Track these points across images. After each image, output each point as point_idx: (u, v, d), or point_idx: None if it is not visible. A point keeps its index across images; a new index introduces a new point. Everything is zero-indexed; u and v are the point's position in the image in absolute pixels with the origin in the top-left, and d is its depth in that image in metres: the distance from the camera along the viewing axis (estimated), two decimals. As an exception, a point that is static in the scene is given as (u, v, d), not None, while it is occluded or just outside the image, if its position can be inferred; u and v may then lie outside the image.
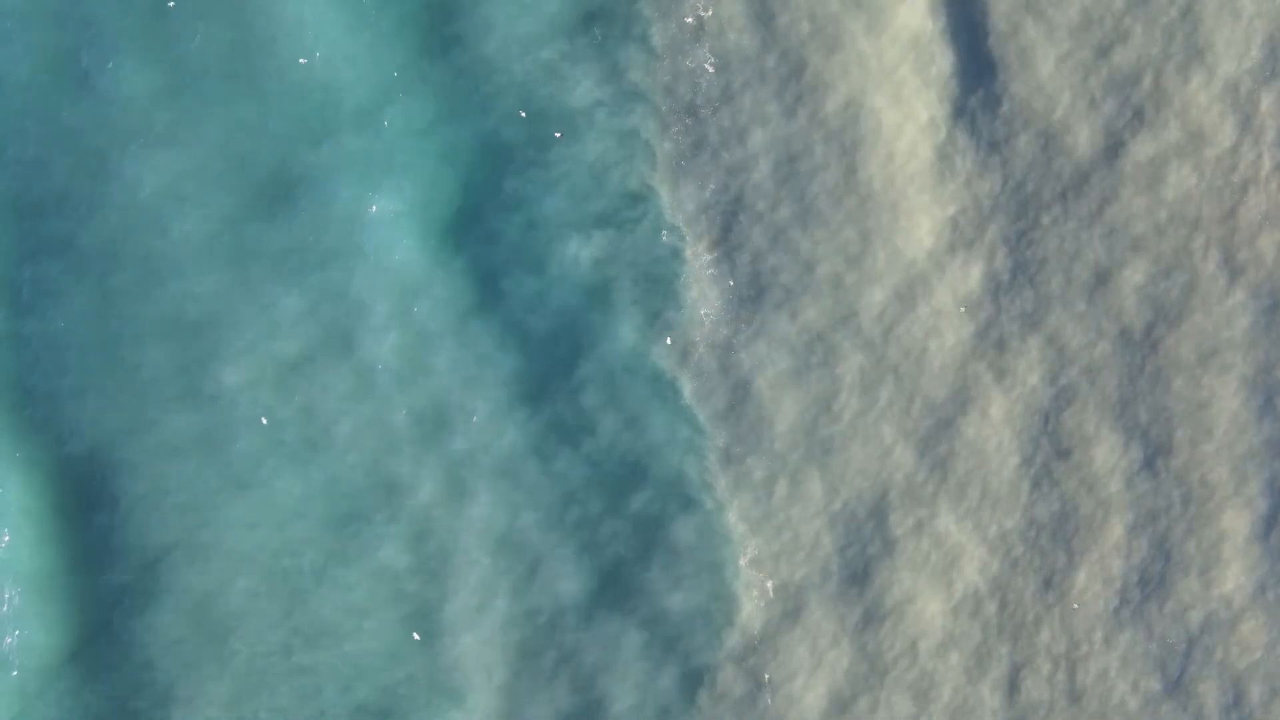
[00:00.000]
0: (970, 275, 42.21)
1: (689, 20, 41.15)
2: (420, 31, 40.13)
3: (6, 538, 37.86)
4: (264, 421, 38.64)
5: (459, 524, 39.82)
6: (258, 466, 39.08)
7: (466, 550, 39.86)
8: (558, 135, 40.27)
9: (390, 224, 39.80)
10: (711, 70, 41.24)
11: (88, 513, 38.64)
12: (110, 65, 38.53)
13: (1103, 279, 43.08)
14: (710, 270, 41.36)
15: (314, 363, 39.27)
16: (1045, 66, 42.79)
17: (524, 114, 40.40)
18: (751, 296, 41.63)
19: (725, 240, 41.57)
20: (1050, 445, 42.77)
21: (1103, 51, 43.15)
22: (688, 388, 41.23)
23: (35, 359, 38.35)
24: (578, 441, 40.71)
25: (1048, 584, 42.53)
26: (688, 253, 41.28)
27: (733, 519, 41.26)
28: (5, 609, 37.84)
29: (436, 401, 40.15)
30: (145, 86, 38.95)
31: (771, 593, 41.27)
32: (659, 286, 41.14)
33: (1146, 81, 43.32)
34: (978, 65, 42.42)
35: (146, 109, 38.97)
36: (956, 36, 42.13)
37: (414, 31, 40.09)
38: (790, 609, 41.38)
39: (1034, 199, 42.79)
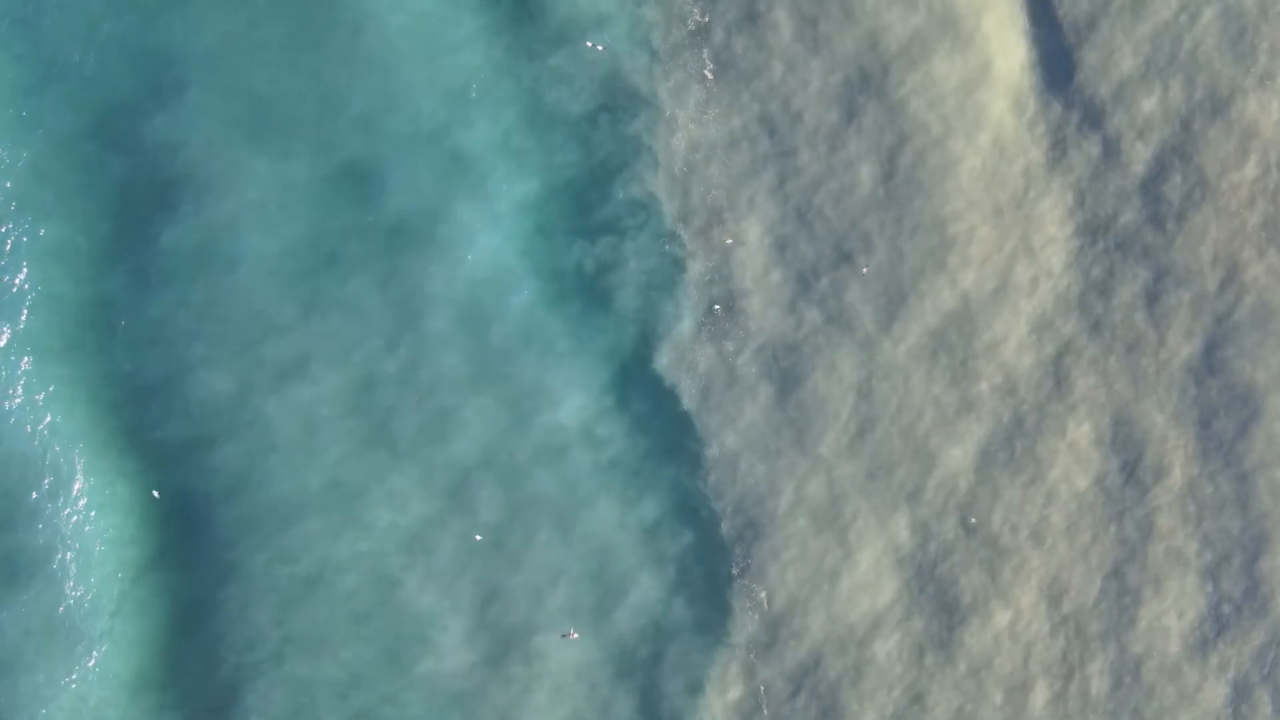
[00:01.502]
0: (1022, 304, 41.97)
1: (690, 25, 41.12)
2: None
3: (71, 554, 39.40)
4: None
5: (458, 531, 40.57)
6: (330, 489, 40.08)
7: (478, 566, 40.57)
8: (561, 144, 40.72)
9: (389, 231, 40.36)
10: (710, 76, 41.24)
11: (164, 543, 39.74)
12: (196, 75, 39.71)
13: (1159, 295, 42.43)
14: (709, 279, 41.23)
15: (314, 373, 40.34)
16: (1117, 90, 42.49)
17: (528, 122, 40.72)
18: (759, 308, 41.48)
19: (728, 251, 41.38)
20: (1120, 466, 42.32)
21: (1169, 72, 42.70)
22: (686, 395, 41.13)
23: (128, 394, 39.59)
24: (579, 448, 40.79)
25: (1112, 612, 42.33)
26: (688, 261, 41.15)
27: (729, 529, 41.04)
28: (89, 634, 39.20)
29: (430, 410, 40.65)
30: (231, 86, 40.04)
31: (767, 604, 41.12)
32: (661, 294, 41.09)
33: (1210, 100, 43.00)
34: (1052, 87, 42.35)
35: (232, 108, 39.99)
36: (1038, 49, 42.34)
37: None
38: (801, 621, 41.46)
39: (1098, 223, 42.42)
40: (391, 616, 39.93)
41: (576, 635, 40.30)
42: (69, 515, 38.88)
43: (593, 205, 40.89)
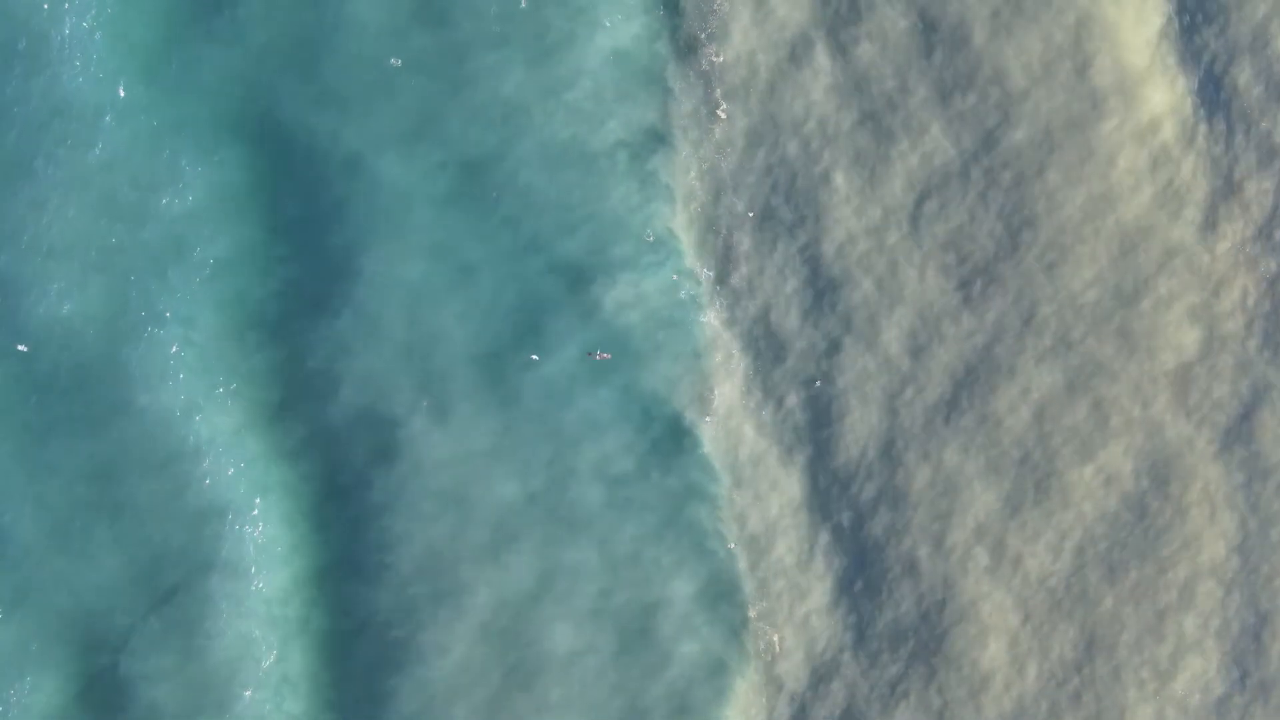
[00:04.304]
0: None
1: (704, 66, 41.26)
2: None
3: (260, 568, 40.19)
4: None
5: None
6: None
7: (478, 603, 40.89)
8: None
9: (394, 261, 40.62)
10: (724, 116, 41.32)
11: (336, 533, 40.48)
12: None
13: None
14: (725, 316, 41.20)
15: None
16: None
17: (545, 155, 40.85)
18: (772, 344, 41.45)
19: (743, 289, 41.41)
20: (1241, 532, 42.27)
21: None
22: (707, 436, 41.08)
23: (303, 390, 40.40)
24: (595, 486, 40.80)
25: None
26: (705, 299, 41.17)
27: (744, 570, 41.00)
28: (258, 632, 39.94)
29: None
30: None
31: (779, 647, 40.91)
32: (679, 332, 41.07)
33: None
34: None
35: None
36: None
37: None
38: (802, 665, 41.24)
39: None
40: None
41: (603, 356, 40.43)
42: (241, 528, 39.76)
43: (612, 243, 40.91)
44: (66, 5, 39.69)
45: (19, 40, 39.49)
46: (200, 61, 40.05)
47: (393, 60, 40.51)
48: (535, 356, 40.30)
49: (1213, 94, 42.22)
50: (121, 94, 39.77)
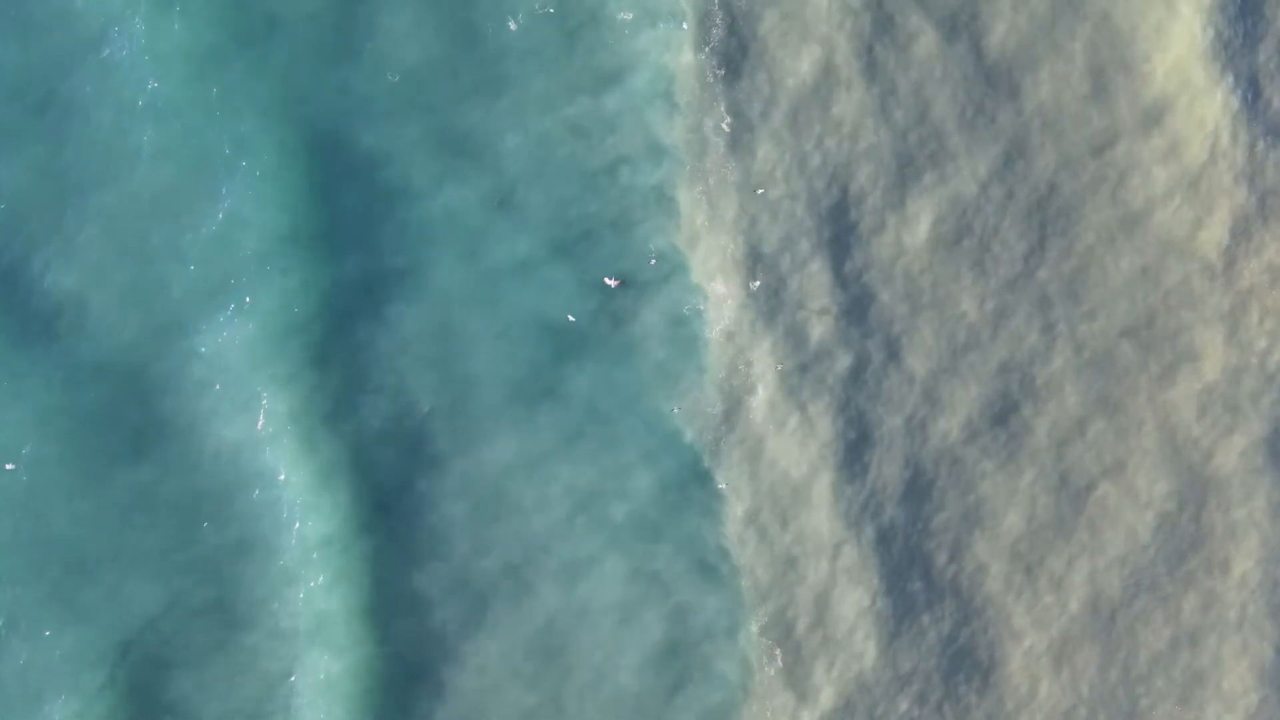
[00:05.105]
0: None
1: (709, 79, 40.92)
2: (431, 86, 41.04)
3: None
4: None
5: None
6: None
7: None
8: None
9: (397, 279, 40.57)
10: (728, 130, 40.94)
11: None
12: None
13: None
14: (745, 334, 40.83)
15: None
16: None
17: (547, 169, 40.65)
18: (792, 362, 41.07)
19: (750, 303, 41.05)
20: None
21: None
22: (727, 455, 40.83)
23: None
24: (598, 502, 40.67)
25: None
26: (710, 314, 40.86)
27: (768, 589, 40.70)
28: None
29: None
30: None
31: (801, 666, 40.57)
32: (683, 348, 40.85)
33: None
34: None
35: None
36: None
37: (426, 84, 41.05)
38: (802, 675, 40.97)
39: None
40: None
41: (616, 282, 40.34)
42: (277, 502, 39.88)
43: (614, 258, 40.73)
44: (89, 25, 40.02)
45: (33, 58, 39.82)
46: (220, 80, 40.15)
47: (390, 75, 40.75)
48: (572, 318, 40.33)
49: (1241, 112, 41.87)
50: (142, 112, 40.04)
